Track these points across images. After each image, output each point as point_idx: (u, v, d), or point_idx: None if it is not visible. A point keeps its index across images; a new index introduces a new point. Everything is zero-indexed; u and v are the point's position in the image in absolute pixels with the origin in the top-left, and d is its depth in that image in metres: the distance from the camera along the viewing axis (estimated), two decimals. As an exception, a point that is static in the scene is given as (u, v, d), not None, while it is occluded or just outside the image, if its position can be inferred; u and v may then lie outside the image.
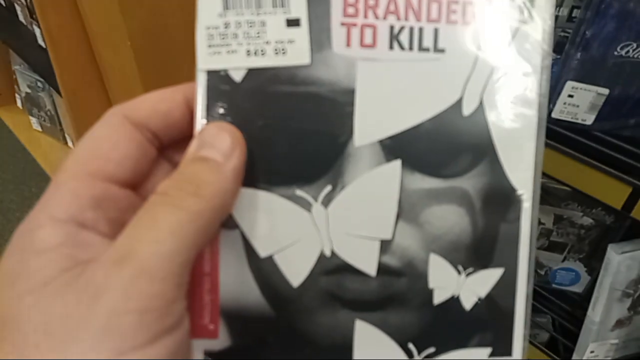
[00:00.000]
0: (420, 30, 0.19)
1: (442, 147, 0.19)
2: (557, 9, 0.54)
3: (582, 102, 0.54)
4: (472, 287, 0.19)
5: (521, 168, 0.19)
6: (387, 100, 0.19)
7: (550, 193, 0.66)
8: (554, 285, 0.74)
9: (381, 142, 0.19)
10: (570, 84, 0.53)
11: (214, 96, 0.18)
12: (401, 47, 0.19)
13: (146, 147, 0.19)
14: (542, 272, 0.74)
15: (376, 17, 0.19)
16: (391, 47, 0.19)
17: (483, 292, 0.19)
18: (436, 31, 0.19)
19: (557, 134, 0.56)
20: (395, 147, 0.19)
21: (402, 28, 0.19)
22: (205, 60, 0.19)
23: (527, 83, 0.19)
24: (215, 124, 0.18)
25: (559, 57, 0.55)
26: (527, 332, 0.19)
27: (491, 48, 0.19)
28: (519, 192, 0.19)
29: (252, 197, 0.19)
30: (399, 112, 0.19)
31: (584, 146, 0.54)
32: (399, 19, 0.19)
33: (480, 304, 0.19)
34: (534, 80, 0.19)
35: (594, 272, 0.69)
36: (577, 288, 0.72)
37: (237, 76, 0.19)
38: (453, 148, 0.19)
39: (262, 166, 0.19)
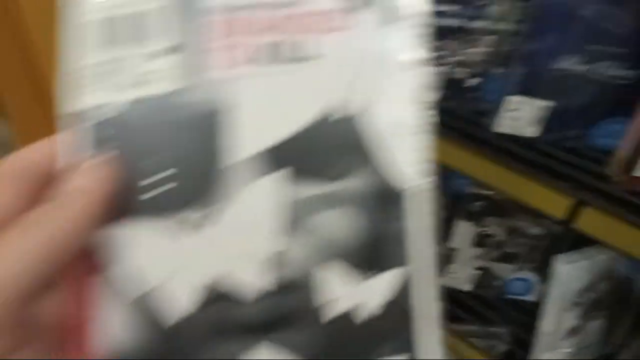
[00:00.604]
0: (298, 42, 0.19)
1: (324, 152, 0.19)
2: (502, 23, 0.55)
3: (525, 115, 0.55)
4: (370, 294, 0.19)
5: (405, 164, 0.19)
6: (265, 112, 0.19)
7: (501, 205, 0.67)
8: (509, 296, 0.74)
9: (261, 154, 0.18)
10: (513, 98, 0.54)
11: (93, 131, 0.18)
12: (280, 60, 0.19)
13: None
14: (497, 284, 0.75)
15: (254, 33, 0.19)
16: (270, 61, 0.19)
17: (383, 297, 0.19)
18: (313, 40, 0.19)
19: (500, 148, 0.57)
20: (276, 158, 0.18)
21: (280, 42, 0.19)
22: (76, 98, 0.18)
23: (405, 79, 0.19)
24: (80, 160, 0.18)
25: (503, 71, 0.56)
26: (441, 334, 0.19)
27: (367, 49, 0.19)
28: (404, 188, 0.19)
29: (128, 231, 0.18)
30: (277, 123, 0.19)
31: (528, 159, 0.55)
32: (277, 33, 0.19)
33: (383, 310, 0.19)
34: (413, 75, 0.19)
35: (546, 281, 0.70)
36: (532, 297, 0.73)
37: (114, 109, 0.18)
38: (335, 151, 0.19)
39: (140, 197, 0.18)
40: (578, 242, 0.60)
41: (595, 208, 0.50)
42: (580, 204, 0.51)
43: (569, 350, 0.65)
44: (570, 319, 0.62)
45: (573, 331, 0.64)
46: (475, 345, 0.75)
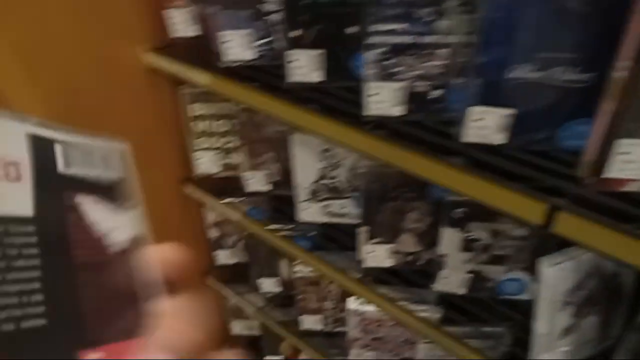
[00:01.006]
0: None
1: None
2: (452, 36, 0.54)
3: (490, 123, 0.54)
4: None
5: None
6: None
7: (482, 210, 0.66)
8: (503, 296, 0.74)
9: None
10: (475, 109, 0.53)
11: None
12: None
13: None
14: (490, 285, 0.74)
15: None
16: None
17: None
18: None
19: (470, 157, 0.56)
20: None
21: None
22: None
23: None
24: None
25: (462, 82, 0.55)
26: None
27: None
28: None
29: None
30: None
31: (499, 166, 0.54)
32: None
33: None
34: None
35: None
36: (526, 295, 0.72)
37: None
38: None
39: None
40: (563, 241, 0.59)
41: (570, 212, 0.49)
42: (555, 209, 0.50)
43: (567, 348, 0.64)
44: (564, 319, 0.62)
45: (568, 330, 0.63)
46: (473, 347, 0.75)
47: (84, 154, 0.24)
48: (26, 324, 0.19)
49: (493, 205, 0.55)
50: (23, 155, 0.21)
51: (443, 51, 0.54)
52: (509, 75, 0.49)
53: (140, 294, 0.24)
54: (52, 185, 0.22)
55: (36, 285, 0.20)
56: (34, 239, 0.20)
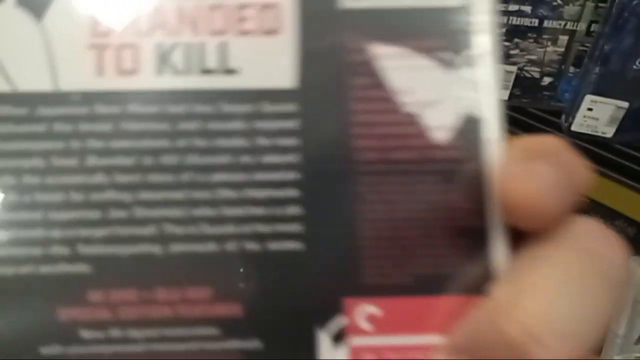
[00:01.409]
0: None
1: None
2: (575, 23, 0.54)
3: (601, 115, 0.54)
4: None
5: None
6: None
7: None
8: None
9: None
10: (589, 98, 0.53)
11: None
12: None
13: None
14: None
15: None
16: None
17: None
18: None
19: (577, 147, 0.56)
20: None
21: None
22: None
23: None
24: None
25: (578, 70, 0.56)
26: None
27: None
28: None
29: None
30: None
31: (604, 159, 0.54)
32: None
33: None
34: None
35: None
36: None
37: None
38: None
39: None
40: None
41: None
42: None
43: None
44: (644, 323, 0.61)
45: (646, 336, 0.62)
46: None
47: None
48: (275, 246, 0.14)
49: (595, 198, 0.55)
50: None
51: (562, 37, 0.55)
52: (634, 67, 0.49)
53: (462, 229, 0.14)
54: (328, 34, 0.15)
55: (293, 192, 0.14)
56: (294, 124, 0.14)
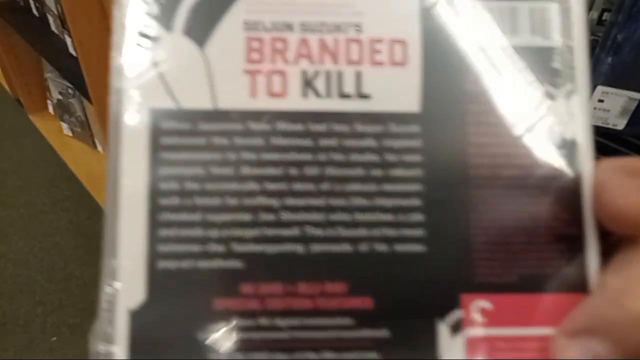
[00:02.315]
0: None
1: None
2: (588, 12, 0.53)
3: (613, 106, 0.52)
4: None
5: None
6: None
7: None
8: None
9: None
10: (600, 89, 0.52)
11: None
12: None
13: None
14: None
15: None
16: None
17: None
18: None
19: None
20: None
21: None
22: None
23: None
24: None
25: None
26: None
27: None
28: None
29: None
30: None
31: (615, 151, 0.53)
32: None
33: None
34: None
35: None
36: None
37: None
38: None
39: None
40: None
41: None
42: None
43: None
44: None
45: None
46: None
47: (503, 13, 0.17)
48: (400, 248, 0.16)
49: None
50: (413, 30, 0.17)
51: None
52: (648, 56, 0.48)
53: (561, 235, 0.16)
54: (447, 68, 0.17)
55: (416, 201, 0.16)
56: (418, 142, 0.17)
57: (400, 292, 0.16)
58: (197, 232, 0.16)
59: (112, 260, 0.16)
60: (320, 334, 0.16)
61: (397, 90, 0.17)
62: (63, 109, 1.44)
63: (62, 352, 1.12)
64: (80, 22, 0.86)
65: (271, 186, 0.16)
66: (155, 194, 0.16)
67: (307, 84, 0.17)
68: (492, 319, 0.16)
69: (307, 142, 0.17)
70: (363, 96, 0.17)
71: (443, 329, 0.16)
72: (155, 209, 0.16)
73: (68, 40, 1.11)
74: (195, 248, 0.16)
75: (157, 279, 0.16)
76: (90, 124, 1.39)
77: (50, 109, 1.55)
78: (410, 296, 0.16)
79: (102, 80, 0.87)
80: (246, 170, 0.16)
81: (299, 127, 0.17)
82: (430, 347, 0.16)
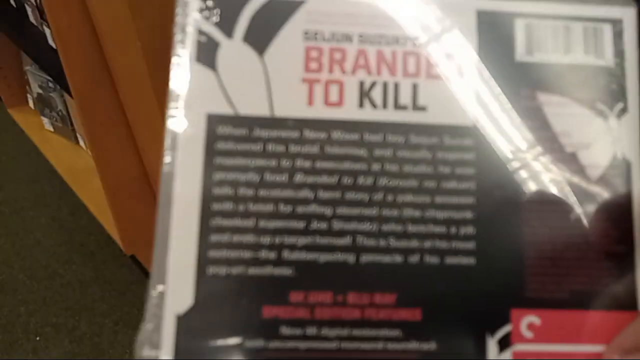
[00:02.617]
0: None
1: None
2: None
3: None
4: None
5: None
6: None
7: None
8: None
9: None
10: None
11: None
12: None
13: None
14: None
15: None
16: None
17: None
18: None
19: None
20: None
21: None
22: None
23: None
24: None
25: None
26: None
27: None
28: None
29: None
30: None
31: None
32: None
33: None
34: None
35: None
36: None
37: None
38: None
39: None
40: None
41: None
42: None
43: None
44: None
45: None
46: None
47: (558, 31, 0.17)
48: (451, 260, 0.16)
49: None
50: (469, 45, 0.17)
51: None
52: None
53: (612, 252, 0.17)
54: (504, 81, 0.17)
55: (468, 214, 0.16)
56: (471, 156, 0.17)
57: (449, 305, 0.16)
58: (249, 238, 0.16)
59: (161, 264, 0.16)
60: (367, 344, 0.16)
61: (451, 104, 0.17)
62: (44, 103, 1.40)
63: (46, 351, 1.10)
64: (58, 13, 0.83)
65: (324, 194, 0.16)
66: (208, 199, 0.16)
67: (364, 94, 0.17)
68: (540, 334, 0.16)
69: (361, 152, 0.17)
70: (419, 108, 0.17)
71: (492, 344, 0.16)
72: (207, 214, 0.16)
73: (47, 32, 1.08)
74: (246, 254, 0.16)
75: (205, 285, 0.16)
76: (71, 118, 1.36)
77: (31, 104, 1.51)
78: (460, 309, 0.16)
79: (83, 72, 0.85)
80: (300, 178, 0.16)
81: (354, 136, 0.17)
82: None
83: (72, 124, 1.37)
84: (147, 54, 0.80)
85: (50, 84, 1.33)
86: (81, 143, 1.38)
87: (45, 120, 1.44)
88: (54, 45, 1.01)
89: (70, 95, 0.93)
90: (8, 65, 1.45)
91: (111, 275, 1.20)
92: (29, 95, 1.50)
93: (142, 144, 0.90)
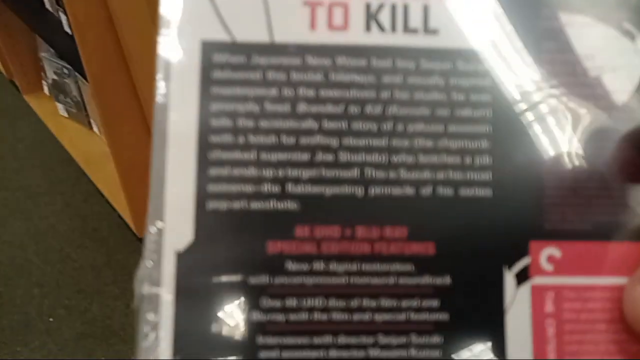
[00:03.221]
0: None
1: None
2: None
3: None
4: None
5: None
6: None
7: None
8: None
9: None
10: None
11: None
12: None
13: None
14: None
15: None
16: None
17: None
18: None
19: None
20: None
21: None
22: None
23: None
24: None
25: None
26: None
27: None
28: None
29: None
30: None
31: None
32: None
33: None
34: None
35: None
36: None
37: None
38: None
39: None
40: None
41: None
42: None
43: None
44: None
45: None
46: None
47: None
48: (466, 192, 0.15)
49: None
50: None
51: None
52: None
53: (636, 181, 0.16)
54: (521, 2, 0.16)
55: (484, 143, 0.16)
56: (487, 81, 0.15)
57: (464, 238, 0.15)
58: (251, 171, 0.15)
59: (159, 199, 0.15)
60: (378, 280, 0.15)
61: (465, 26, 0.16)
62: (58, 90, 1.42)
63: (58, 332, 1.13)
64: (75, 0, 0.84)
65: (330, 125, 0.15)
66: (205, 131, 0.15)
67: (371, 17, 0.16)
68: (560, 267, 0.16)
69: (369, 79, 0.16)
70: (430, 31, 0.16)
71: (509, 277, 0.15)
72: (205, 146, 0.15)
73: (63, 18, 1.09)
74: (248, 188, 0.15)
75: (206, 220, 0.15)
76: (85, 104, 1.38)
77: (46, 90, 1.53)
78: (476, 242, 0.15)
79: (99, 58, 0.86)
80: (303, 108, 0.15)
81: (361, 62, 0.16)
82: (496, 295, 0.15)
83: (86, 110, 1.38)
84: (161, 40, 0.81)
85: (65, 70, 1.35)
86: (95, 129, 1.39)
87: (59, 106, 1.46)
88: (69, 32, 1.03)
89: (86, 80, 0.95)
90: (24, 53, 1.47)
91: (123, 260, 1.22)
92: (44, 82, 1.52)
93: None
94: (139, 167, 0.96)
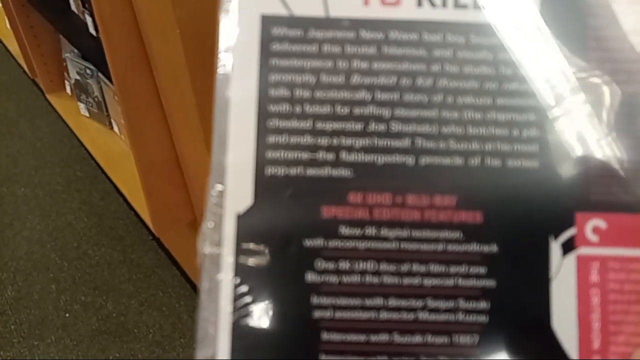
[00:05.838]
0: None
1: None
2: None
3: None
4: None
5: None
6: None
7: None
8: None
9: None
10: None
11: None
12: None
13: None
14: None
15: None
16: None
17: None
18: None
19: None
20: None
21: None
22: None
23: None
24: None
25: None
26: None
27: None
28: None
29: None
30: None
31: None
32: None
33: None
34: None
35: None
36: None
37: None
38: None
39: None
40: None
41: None
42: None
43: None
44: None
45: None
46: None
47: None
48: (514, 163, 0.16)
49: None
50: None
51: None
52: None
53: None
54: None
55: (532, 116, 0.16)
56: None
57: (512, 208, 0.16)
58: (307, 139, 0.16)
59: (220, 164, 0.16)
60: (427, 246, 0.16)
61: (514, 1, 0.16)
62: (80, 90, 1.45)
63: (74, 328, 1.14)
64: (101, 2, 0.86)
65: (382, 96, 0.16)
66: (264, 100, 0.16)
67: None
68: (606, 238, 0.16)
69: (420, 52, 0.16)
70: (479, 7, 0.16)
71: (555, 247, 0.16)
72: (264, 115, 0.16)
73: (88, 20, 1.11)
74: (304, 155, 0.16)
75: (264, 185, 0.16)
76: (106, 104, 1.40)
77: (68, 90, 1.56)
78: (522, 212, 0.16)
79: (124, 60, 0.88)
80: (357, 79, 0.16)
81: (412, 36, 0.16)
82: (541, 265, 0.16)
83: (106, 110, 1.41)
84: (185, 42, 0.83)
85: (88, 71, 1.37)
86: (115, 128, 1.42)
87: (81, 106, 1.48)
88: (94, 33, 1.05)
89: (110, 81, 0.97)
90: (48, 53, 1.50)
91: (138, 259, 1.23)
92: (66, 82, 1.54)
93: (175, 128, 0.92)
94: (158, 166, 0.97)
